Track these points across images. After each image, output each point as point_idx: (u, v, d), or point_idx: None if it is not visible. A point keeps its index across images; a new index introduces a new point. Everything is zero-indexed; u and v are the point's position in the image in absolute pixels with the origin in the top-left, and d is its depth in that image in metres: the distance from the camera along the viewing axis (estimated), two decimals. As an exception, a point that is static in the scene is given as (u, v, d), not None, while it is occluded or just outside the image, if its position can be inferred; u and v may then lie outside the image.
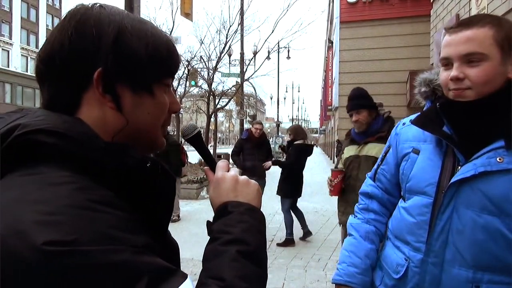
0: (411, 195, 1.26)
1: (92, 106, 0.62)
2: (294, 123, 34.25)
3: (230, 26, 15.60)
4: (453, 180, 1.13)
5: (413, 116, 1.35)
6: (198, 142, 0.83)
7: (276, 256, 4.98)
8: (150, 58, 0.64)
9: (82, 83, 0.61)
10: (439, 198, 1.18)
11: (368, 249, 1.41)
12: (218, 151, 17.89)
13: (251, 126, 6.42)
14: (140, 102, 0.64)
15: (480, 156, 1.11)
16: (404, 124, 1.38)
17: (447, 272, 1.16)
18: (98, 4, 0.64)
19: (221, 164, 0.79)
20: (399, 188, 1.38)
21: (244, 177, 0.77)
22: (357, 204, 1.53)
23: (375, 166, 1.49)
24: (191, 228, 6.05)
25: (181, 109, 18.05)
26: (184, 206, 7.62)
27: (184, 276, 0.54)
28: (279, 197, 5.65)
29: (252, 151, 6.05)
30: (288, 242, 5.46)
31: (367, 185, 1.51)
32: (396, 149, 1.37)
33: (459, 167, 1.15)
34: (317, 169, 16.41)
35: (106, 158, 0.58)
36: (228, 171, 0.77)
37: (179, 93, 15.53)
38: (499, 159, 1.08)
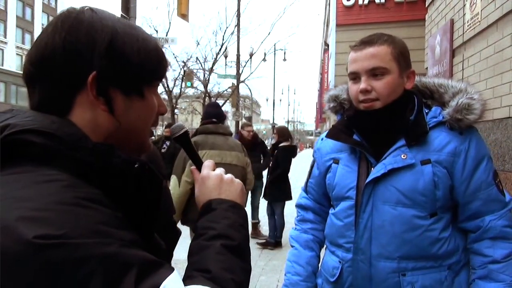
0: (337, 201, 1.38)
1: (84, 108, 0.63)
2: (287, 125, 34.39)
3: (227, 27, 15.64)
4: (367, 180, 1.26)
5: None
6: (185, 141, 0.85)
7: (270, 258, 4.99)
8: (141, 63, 0.65)
9: (75, 86, 0.62)
10: (359, 199, 1.29)
11: (309, 256, 1.49)
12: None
13: (241, 129, 6.32)
14: (131, 105, 0.66)
15: (387, 156, 1.25)
16: (322, 139, 1.48)
17: (374, 266, 1.27)
18: (88, 8, 0.65)
19: (207, 163, 0.82)
20: (327, 198, 1.48)
21: (229, 175, 0.80)
22: (295, 216, 1.61)
23: (306, 180, 1.58)
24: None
25: (177, 110, 18.01)
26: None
27: (172, 269, 0.55)
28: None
29: None
30: (277, 244, 5.47)
31: (301, 197, 1.60)
32: (320, 163, 1.47)
33: (372, 169, 1.28)
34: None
35: (94, 158, 0.58)
36: (213, 170, 0.80)
37: (174, 94, 15.49)
38: (403, 156, 1.23)
